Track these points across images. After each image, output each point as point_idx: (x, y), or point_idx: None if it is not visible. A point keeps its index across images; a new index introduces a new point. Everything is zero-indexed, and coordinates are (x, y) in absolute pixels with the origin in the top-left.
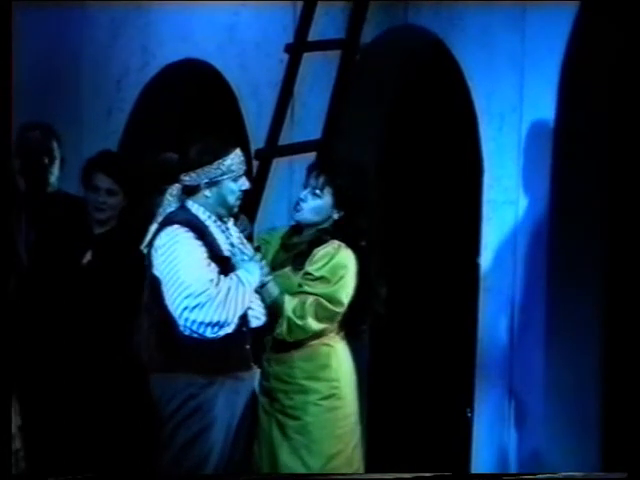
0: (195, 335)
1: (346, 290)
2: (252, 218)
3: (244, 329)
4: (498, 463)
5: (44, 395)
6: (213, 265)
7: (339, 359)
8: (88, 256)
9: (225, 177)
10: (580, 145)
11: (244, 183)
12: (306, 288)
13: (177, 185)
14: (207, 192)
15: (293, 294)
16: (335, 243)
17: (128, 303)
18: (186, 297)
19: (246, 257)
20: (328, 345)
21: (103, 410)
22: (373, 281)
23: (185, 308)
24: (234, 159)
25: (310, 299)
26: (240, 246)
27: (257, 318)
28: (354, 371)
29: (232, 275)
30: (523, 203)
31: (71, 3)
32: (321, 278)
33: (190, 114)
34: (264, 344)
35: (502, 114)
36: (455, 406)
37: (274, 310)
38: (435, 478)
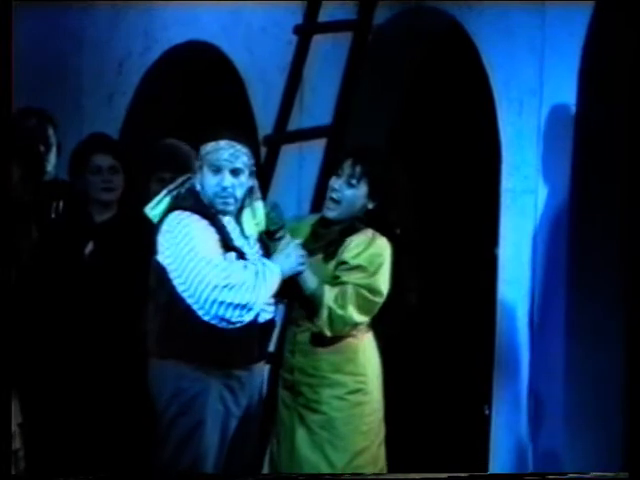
0: (216, 320)
1: (384, 279)
2: None
3: (250, 324)
4: (516, 462)
5: (46, 391)
6: (229, 252)
7: (366, 353)
8: (90, 246)
9: (203, 163)
10: (602, 132)
11: (223, 180)
12: (343, 278)
13: None
14: (198, 175)
15: (330, 284)
16: (369, 231)
17: (134, 293)
18: (215, 276)
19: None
20: (355, 338)
21: (109, 406)
22: (406, 272)
23: (215, 287)
24: (212, 149)
25: (350, 289)
26: (253, 242)
27: (267, 312)
28: (380, 366)
29: (256, 261)
30: (543, 192)
31: None
32: (358, 267)
33: (195, 99)
34: (270, 339)
35: (521, 99)
36: (472, 403)
37: (311, 302)
38: (459, 479)
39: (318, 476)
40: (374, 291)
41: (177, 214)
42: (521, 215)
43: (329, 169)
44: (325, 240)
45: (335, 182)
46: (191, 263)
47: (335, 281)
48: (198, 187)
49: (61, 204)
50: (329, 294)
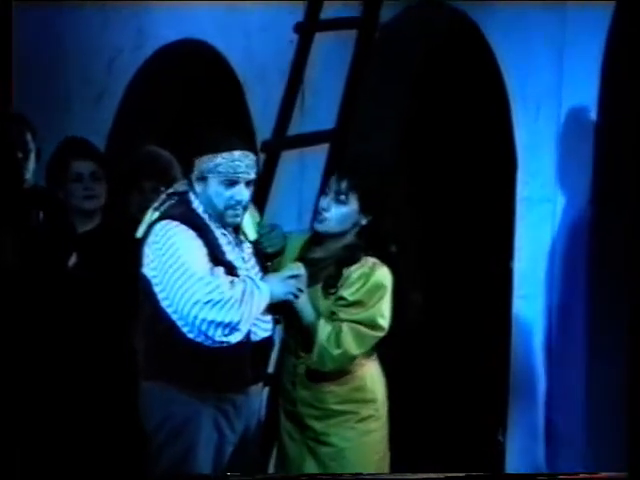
0: (201, 338)
1: (385, 313)
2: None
3: (242, 344)
4: None
5: (26, 411)
6: (217, 267)
7: (374, 378)
8: (74, 258)
9: (210, 175)
10: (624, 137)
11: (238, 194)
12: (340, 314)
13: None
14: (197, 187)
15: (326, 320)
16: (369, 262)
17: (121, 309)
18: (197, 291)
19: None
20: (359, 365)
21: (94, 428)
22: (408, 288)
23: (195, 303)
24: (225, 160)
25: (345, 327)
26: (252, 264)
27: (263, 331)
28: (386, 389)
29: (245, 278)
30: (561, 201)
31: None
32: (356, 303)
33: (189, 101)
34: (268, 360)
35: (538, 101)
36: (485, 429)
37: (306, 333)
38: (467, 478)
39: (319, 476)
40: (373, 326)
41: (164, 224)
42: (538, 226)
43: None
44: (319, 270)
45: (323, 201)
46: (174, 275)
47: (332, 317)
48: (192, 197)
49: (41, 214)
50: (323, 331)
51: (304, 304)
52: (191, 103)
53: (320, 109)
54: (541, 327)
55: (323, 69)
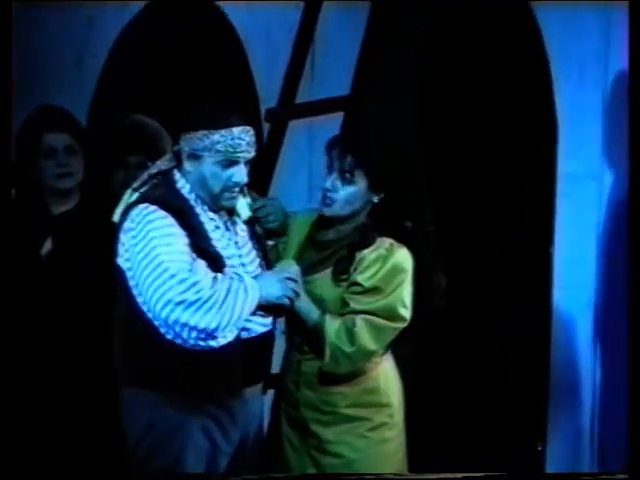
0: (178, 340)
1: (406, 299)
2: (263, 195)
3: (233, 341)
4: None
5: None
6: (200, 260)
7: (388, 379)
8: (48, 244)
9: (206, 154)
10: None
11: (237, 175)
12: (353, 305)
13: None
14: (188, 165)
15: (339, 309)
16: (386, 242)
17: (101, 302)
18: (169, 289)
19: (250, 268)
20: (375, 363)
21: (72, 429)
22: (429, 272)
23: (168, 302)
24: (223, 138)
25: (359, 321)
26: (247, 249)
27: (259, 325)
28: (403, 392)
29: (233, 275)
30: (608, 177)
31: None
32: (373, 289)
33: (182, 63)
34: (269, 359)
35: (582, 64)
36: (523, 436)
37: (313, 334)
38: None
39: (321, 476)
40: (392, 316)
41: (141, 208)
42: (582, 206)
43: None
44: (329, 253)
45: (327, 180)
46: (146, 270)
47: (344, 308)
48: (176, 176)
49: (12, 192)
50: (331, 328)
51: (302, 302)
52: (184, 65)
53: (332, 73)
54: (585, 320)
55: (336, 27)
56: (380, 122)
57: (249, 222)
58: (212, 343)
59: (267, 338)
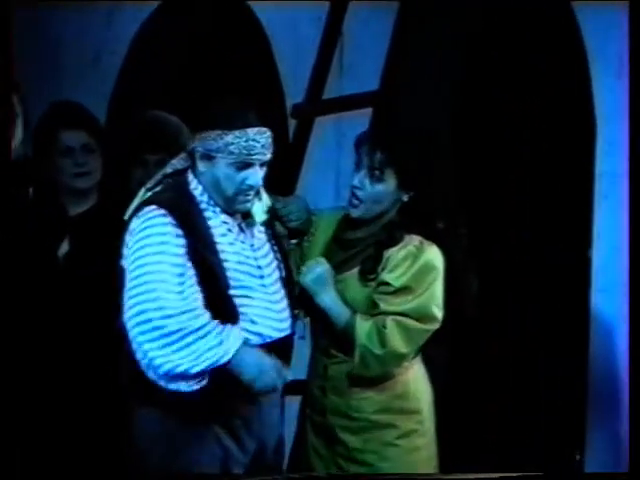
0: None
1: (437, 300)
2: (290, 193)
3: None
4: None
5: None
6: (192, 275)
7: (418, 384)
8: (65, 247)
9: (220, 155)
10: None
11: (251, 178)
12: (383, 306)
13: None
14: (201, 165)
15: (366, 314)
16: (415, 240)
17: (118, 304)
18: (139, 303)
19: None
20: (405, 368)
21: (88, 438)
22: (461, 275)
23: (137, 324)
24: (238, 140)
25: (389, 322)
26: (264, 252)
27: (274, 331)
28: (433, 398)
29: (222, 326)
30: None
31: None
32: (403, 289)
33: (204, 57)
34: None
35: (621, 54)
36: (560, 446)
37: (342, 336)
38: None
39: (330, 476)
40: (424, 317)
41: (147, 210)
42: (621, 206)
43: None
44: (356, 252)
45: (355, 178)
46: (131, 275)
47: (374, 309)
48: (190, 177)
49: (30, 191)
50: (362, 329)
51: (333, 302)
52: (207, 61)
53: (361, 67)
54: (624, 325)
55: (365, 19)
56: (412, 118)
57: (268, 224)
58: (173, 385)
59: (283, 344)
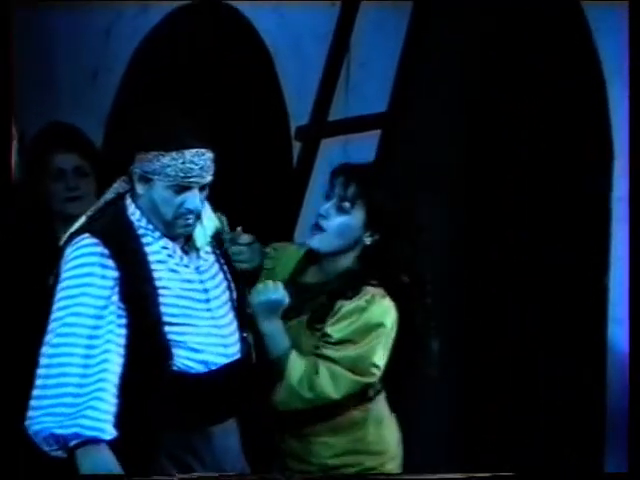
0: None
1: (377, 357)
2: (294, 220)
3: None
4: None
5: None
6: (116, 312)
7: (381, 425)
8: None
9: (156, 177)
10: None
11: (190, 201)
12: (323, 351)
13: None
14: (139, 188)
15: (299, 355)
16: (369, 293)
17: None
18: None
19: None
20: (359, 410)
21: None
22: (420, 333)
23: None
24: (175, 162)
25: (322, 368)
26: (211, 274)
27: (219, 356)
28: (400, 440)
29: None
30: None
31: None
32: (344, 342)
33: (206, 76)
34: (237, 392)
35: None
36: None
37: (274, 366)
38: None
39: (320, 477)
40: (360, 370)
41: (78, 239)
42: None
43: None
44: (308, 298)
45: (323, 206)
46: (53, 321)
47: (314, 351)
48: (128, 201)
49: (19, 219)
50: (294, 369)
51: (275, 332)
52: (208, 80)
53: (369, 87)
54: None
55: (373, 36)
56: (420, 143)
57: (217, 243)
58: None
59: (233, 370)
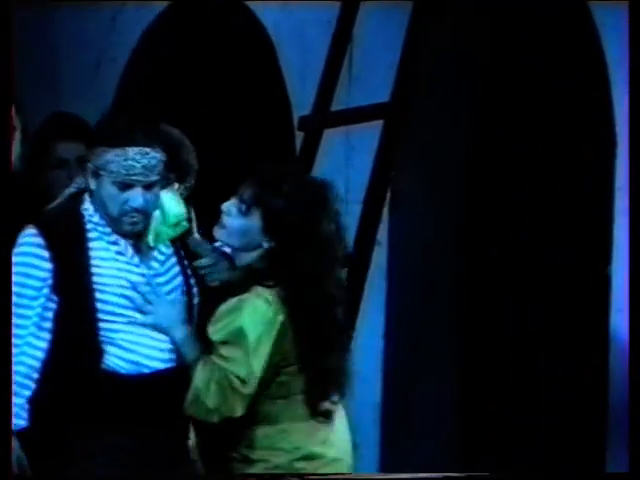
0: None
1: (255, 359)
2: None
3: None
4: None
5: None
6: (46, 304)
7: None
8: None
9: (103, 173)
10: None
11: (133, 200)
12: (212, 356)
13: None
14: (92, 183)
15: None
16: (252, 293)
17: None
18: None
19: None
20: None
21: None
22: (309, 338)
23: None
24: (118, 158)
25: (216, 373)
26: (168, 266)
27: (157, 361)
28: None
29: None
30: None
31: None
32: (219, 344)
33: (208, 65)
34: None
35: None
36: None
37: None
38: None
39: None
40: (242, 378)
41: (25, 231)
42: None
43: (386, 162)
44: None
45: (228, 202)
46: None
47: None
48: (86, 195)
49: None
50: (200, 373)
51: (186, 338)
52: (210, 71)
53: (372, 76)
54: None
55: (376, 26)
56: (422, 133)
57: (180, 245)
58: None
59: (171, 376)
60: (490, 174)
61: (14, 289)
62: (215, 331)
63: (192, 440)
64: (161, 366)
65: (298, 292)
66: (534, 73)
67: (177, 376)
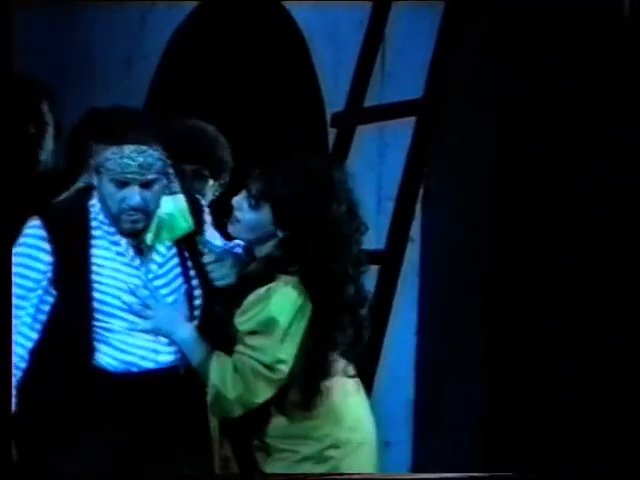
0: None
1: (283, 348)
2: None
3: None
4: None
5: None
6: (38, 302)
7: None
8: None
9: (102, 170)
10: None
11: (130, 198)
12: (238, 346)
13: None
14: (95, 179)
15: (219, 356)
16: (280, 282)
17: None
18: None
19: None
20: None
21: None
22: (328, 325)
23: None
24: (114, 156)
25: (240, 363)
26: (169, 267)
27: (148, 361)
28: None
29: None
30: None
31: None
32: (248, 334)
33: (240, 64)
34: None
35: None
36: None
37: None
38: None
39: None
40: (268, 365)
41: (29, 222)
42: None
43: (419, 159)
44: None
45: (238, 197)
46: None
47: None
48: (94, 192)
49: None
50: (215, 369)
51: (189, 340)
52: (243, 67)
53: (404, 74)
54: None
55: (409, 23)
56: (452, 132)
57: (184, 246)
58: None
59: (159, 376)
60: (518, 173)
61: (13, 279)
62: (243, 322)
63: (213, 427)
64: (151, 366)
65: (316, 275)
66: (565, 76)
67: (168, 375)
